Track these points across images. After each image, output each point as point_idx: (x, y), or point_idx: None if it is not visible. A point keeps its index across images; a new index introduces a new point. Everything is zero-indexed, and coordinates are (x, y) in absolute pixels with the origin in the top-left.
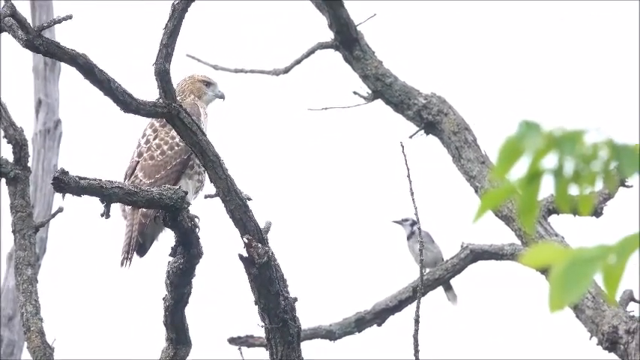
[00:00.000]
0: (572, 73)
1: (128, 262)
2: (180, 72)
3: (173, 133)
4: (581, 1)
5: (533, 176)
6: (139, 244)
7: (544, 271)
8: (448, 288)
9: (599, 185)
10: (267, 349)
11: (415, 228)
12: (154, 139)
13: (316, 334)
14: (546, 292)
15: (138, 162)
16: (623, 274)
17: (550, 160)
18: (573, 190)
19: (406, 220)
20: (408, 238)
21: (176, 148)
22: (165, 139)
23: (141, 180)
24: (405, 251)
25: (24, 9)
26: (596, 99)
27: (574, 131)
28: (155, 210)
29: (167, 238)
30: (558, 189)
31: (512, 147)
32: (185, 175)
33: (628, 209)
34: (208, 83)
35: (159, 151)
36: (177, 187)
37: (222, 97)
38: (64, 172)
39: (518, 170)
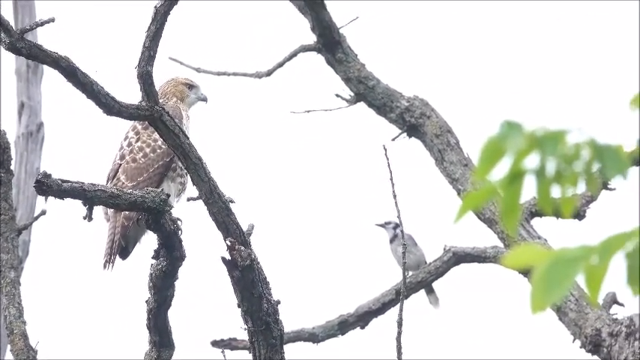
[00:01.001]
0: (558, 73)
1: (111, 265)
2: (162, 75)
3: (155, 135)
4: (565, 1)
5: (515, 176)
6: (122, 247)
7: (526, 273)
8: (430, 291)
9: (581, 187)
10: (250, 352)
11: (398, 231)
12: (137, 141)
13: (299, 336)
14: (528, 294)
15: (120, 165)
16: (605, 274)
17: (532, 161)
18: (555, 192)
19: (389, 223)
20: (391, 241)
21: (158, 150)
22: (147, 142)
23: (123, 183)
24: (388, 254)
25: (6, 11)
26: (583, 100)
27: (556, 131)
28: (137, 213)
29: (150, 240)
30: (540, 189)
31: (494, 147)
32: (168, 178)
33: (611, 212)
34: (191, 86)
35: (141, 154)
36: (160, 189)
37: (204, 99)
38: (46, 175)
39: (500, 171)
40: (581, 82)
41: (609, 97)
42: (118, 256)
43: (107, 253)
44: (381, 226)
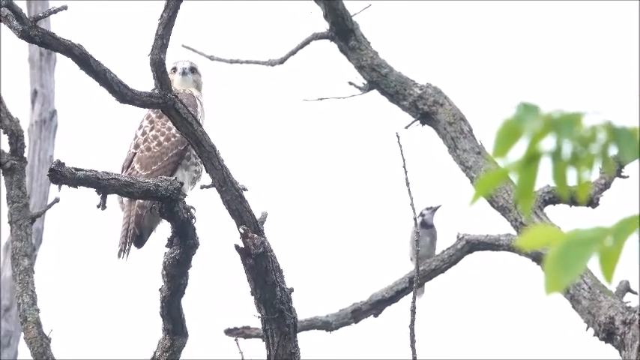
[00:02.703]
0: (569, 62)
1: (125, 254)
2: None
3: (169, 124)
4: None
5: (532, 158)
6: (137, 236)
7: (538, 260)
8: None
9: (596, 171)
10: (263, 340)
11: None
12: (151, 130)
13: (313, 324)
14: (543, 275)
15: (135, 153)
16: (620, 256)
17: (548, 143)
18: (571, 176)
19: (430, 208)
20: (424, 225)
21: (172, 139)
22: (161, 130)
23: (137, 171)
24: (405, 242)
25: None
26: (595, 90)
27: (572, 113)
28: (151, 201)
29: (165, 229)
30: (556, 172)
31: (511, 129)
32: (181, 166)
33: (624, 201)
34: (174, 69)
35: (155, 143)
36: (174, 178)
37: (185, 71)
38: (60, 164)
39: (516, 153)
40: (594, 69)
41: (620, 82)
42: (133, 245)
43: (122, 242)
44: (431, 211)
